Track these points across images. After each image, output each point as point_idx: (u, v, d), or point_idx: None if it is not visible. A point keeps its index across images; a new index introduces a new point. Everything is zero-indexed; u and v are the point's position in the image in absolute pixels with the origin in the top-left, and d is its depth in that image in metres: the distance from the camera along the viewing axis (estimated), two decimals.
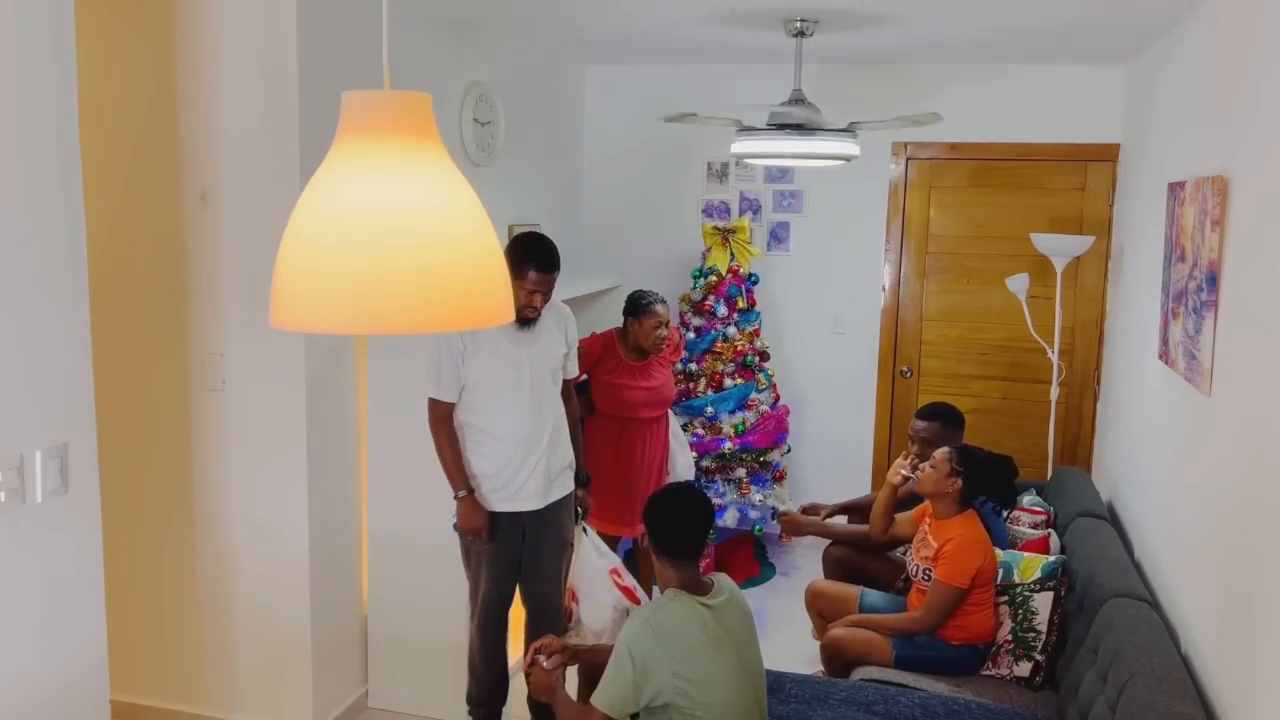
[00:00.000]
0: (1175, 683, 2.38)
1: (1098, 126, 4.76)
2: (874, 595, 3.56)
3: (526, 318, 3.08)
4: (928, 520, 3.36)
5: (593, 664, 2.89)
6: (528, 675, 2.67)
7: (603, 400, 4.08)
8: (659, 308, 4.01)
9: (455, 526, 3.16)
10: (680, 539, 2.46)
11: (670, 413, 4.30)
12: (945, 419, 3.87)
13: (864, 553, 3.92)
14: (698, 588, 2.46)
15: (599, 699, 2.36)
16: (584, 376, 4.10)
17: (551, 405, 3.19)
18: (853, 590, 3.61)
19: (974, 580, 3.15)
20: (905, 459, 3.95)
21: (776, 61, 4.72)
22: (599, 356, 4.05)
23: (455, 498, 3.12)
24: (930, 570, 3.22)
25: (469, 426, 3.13)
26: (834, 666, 3.36)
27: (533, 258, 3.01)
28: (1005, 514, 3.44)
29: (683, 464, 4.31)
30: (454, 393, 3.11)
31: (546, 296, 3.10)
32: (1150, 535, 3.43)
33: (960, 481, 3.24)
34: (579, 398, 4.15)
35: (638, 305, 4.04)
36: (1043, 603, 3.18)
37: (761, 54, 4.68)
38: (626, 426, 4.07)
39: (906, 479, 3.93)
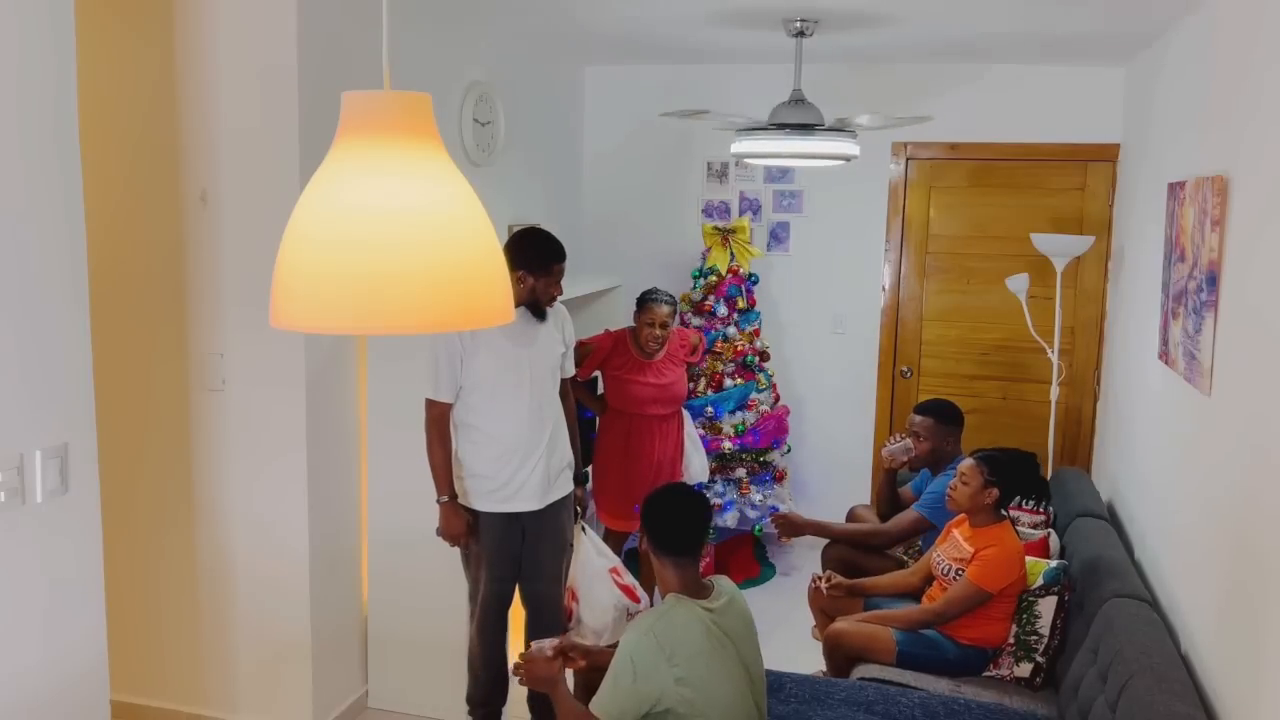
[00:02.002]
0: (1175, 683, 2.38)
1: (1098, 126, 4.76)
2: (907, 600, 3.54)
3: (547, 307, 3.16)
4: (960, 528, 3.32)
5: (593, 668, 2.87)
6: (517, 670, 2.53)
7: (612, 395, 4.10)
8: (658, 307, 4.01)
9: (437, 531, 3.17)
10: (678, 536, 2.43)
11: (686, 414, 4.30)
12: (942, 415, 3.88)
13: (863, 551, 3.92)
14: (698, 590, 2.44)
15: (600, 708, 2.30)
16: (595, 374, 4.12)
17: (551, 405, 3.20)
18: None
19: (1004, 590, 3.14)
20: (895, 439, 3.96)
21: (776, 61, 4.72)
22: (610, 351, 4.07)
23: (437, 501, 3.13)
24: (963, 570, 3.19)
25: (469, 427, 3.13)
26: (835, 660, 3.34)
27: (554, 251, 3.11)
28: (1040, 508, 3.45)
29: (697, 466, 4.30)
30: (451, 393, 3.11)
31: (561, 286, 3.18)
32: (1150, 535, 3.43)
33: (996, 490, 3.21)
34: (593, 396, 4.17)
35: (642, 299, 4.06)
36: (1046, 607, 3.17)
37: (761, 54, 4.68)
38: (636, 423, 4.08)
39: (904, 463, 3.94)
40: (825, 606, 3.61)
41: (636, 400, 4.05)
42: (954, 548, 3.29)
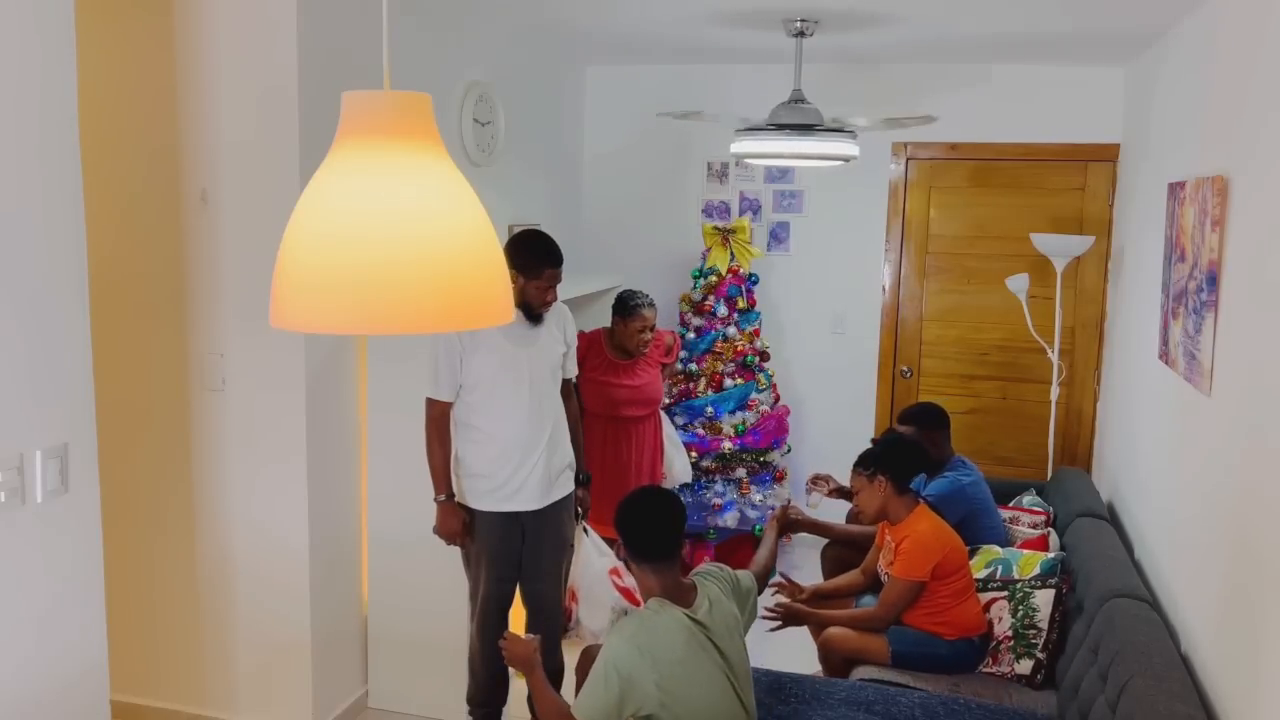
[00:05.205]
0: (1175, 683, 2.38)
1: (1098, 126, 4.76)
2: (872, 596, 3.56)
3: (540, 314, 3.12)
4: (887, 531, 3.35)
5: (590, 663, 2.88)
6: (502, 648, 2.56)
7: (588, 398, 4.10)
8: (646, 311, 4.04)
9: (434, 530, 3.17)
10: (651, 540, 2.41)
11: (664, 416, 4.30)
12: (922, 422, 3.82)
13: (862, 551, 3.91)
14: (680, 596, 2.42)
15: (580, 709, 2.31)
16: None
17: (551, 405, 3.20)
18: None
19: (935, 571, 3.15)
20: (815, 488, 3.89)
21: (776, 61, 4.72)
22: (584, 354, 4.07)
23: (435, 500, 3.14)
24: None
25: (469, 426, 3.13)
26: (831, 664, 3.36)
27: (547, 255, 3.07)
28: (926, 481, 3.48)
29: (679, 467, 4.30)
30: (451, 393, 3.11)
31: (556, 291, 3.14)
32: (1150, 535, 3.43)
33: (882, 477, 3.23)
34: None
35: (625, 306, 4.07)
36: (1043, 600, 3.18)
37: (761, 54, 4.68)
38: (612, 425, 4.09)
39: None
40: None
41: (613, 402, 4.06)
42: (886, 552, 3.32)
